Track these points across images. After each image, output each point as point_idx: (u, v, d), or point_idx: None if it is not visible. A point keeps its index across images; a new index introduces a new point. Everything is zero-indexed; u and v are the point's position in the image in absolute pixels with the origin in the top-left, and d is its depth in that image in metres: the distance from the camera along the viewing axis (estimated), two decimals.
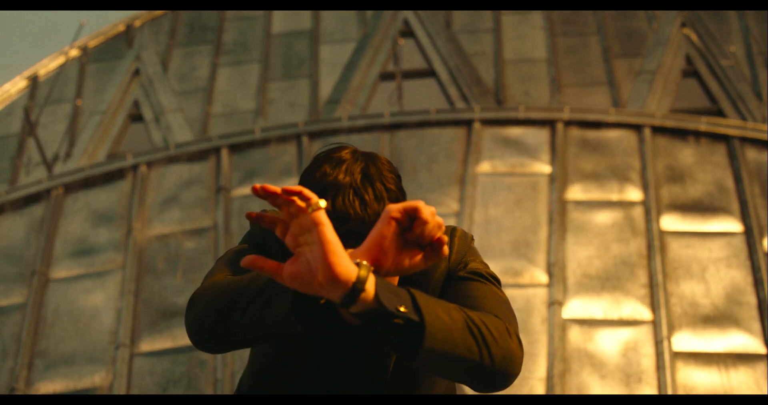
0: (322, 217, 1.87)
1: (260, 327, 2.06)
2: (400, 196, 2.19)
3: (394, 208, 1.98)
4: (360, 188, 2.14)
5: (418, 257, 2.01)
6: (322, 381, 2.26)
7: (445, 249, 2.03)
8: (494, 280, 2.27)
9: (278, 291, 2.01)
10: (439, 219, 2.01)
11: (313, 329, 2.02)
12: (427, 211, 1.98)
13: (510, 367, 2.05)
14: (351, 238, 2.11)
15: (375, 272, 1.96)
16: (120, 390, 8.52)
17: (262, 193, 1.89)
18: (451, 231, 2.33)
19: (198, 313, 2.13)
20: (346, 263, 1.88)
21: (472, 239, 2.37)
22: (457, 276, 2.26)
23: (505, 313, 2.14)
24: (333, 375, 2.26)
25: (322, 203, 1.88)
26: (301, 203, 1.88)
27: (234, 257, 2.27)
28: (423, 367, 2.03)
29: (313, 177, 2.16)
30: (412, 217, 1.99)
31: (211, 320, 2.10)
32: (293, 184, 2.15)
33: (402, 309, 1.93)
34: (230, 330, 2.10)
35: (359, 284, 1.89)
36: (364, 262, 1.91)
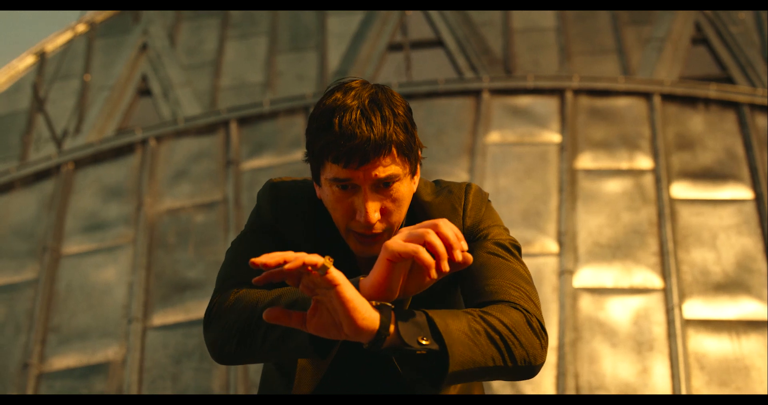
0: (337, 277, 1.89)
1: (280, 354, 2.12)
2: (408, 123, 2.18)
3: (392, 251, 1.95)
4: (367, 109, 2.14)
5: (428, 279, 1.99)
6: (345, 380, 2.33)
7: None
8: (516, 250, 2.28)
9: None
10: (452, 236, 1.96)
11: (332, 354, 2.09)
12: (426, 256, 1.93)
13: (533, 361, 2.08)
14: (355, 157, 2.12)
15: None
16: (133, 364, 8.56)
17: (264, 268, 1.89)
18: (465, 188, 2.32)
19: (219, 335, 2.16)
20: (368, 315, 1.92)
21: (488, 198, 2.37)
22: (479, 245, 2.25)
23: (524, 297, 2.15)
24: (355, 373, 2.33)
25: (329, 262, 1.87)
26: (307, 270, 1.88)
27: (248, 249, 2.26)
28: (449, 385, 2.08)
29: (324, 104, 2.17)
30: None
31: (233, 345, 2.14)
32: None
33: (424, 341, 1.96)
34: (251, 355, 2.15)
35: (383, 330, 1.93)
36: (388, 304, 1.95)
